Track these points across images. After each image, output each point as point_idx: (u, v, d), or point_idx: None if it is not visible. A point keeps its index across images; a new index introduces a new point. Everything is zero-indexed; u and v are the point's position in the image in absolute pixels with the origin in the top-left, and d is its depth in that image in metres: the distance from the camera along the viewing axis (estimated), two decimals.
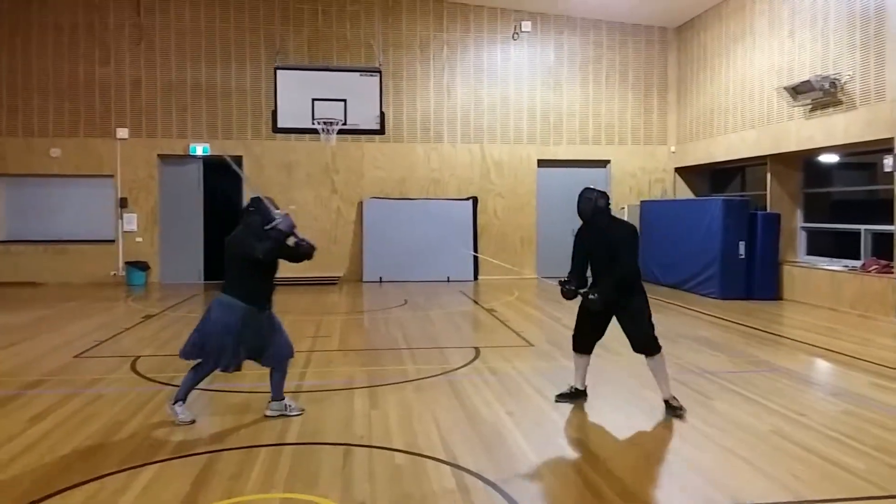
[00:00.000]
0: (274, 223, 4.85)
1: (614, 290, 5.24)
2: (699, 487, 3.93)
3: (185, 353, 5.00)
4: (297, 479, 4.05)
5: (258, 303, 4.98)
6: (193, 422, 4.96)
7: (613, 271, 5.24)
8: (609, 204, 5.43)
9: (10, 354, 7.60)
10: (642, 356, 5.36)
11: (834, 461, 4.31)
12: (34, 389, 6.06)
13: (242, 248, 4.87)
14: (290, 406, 5.22)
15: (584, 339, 5.61)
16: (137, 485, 3.96)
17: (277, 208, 4.98)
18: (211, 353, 4.91)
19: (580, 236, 5.56)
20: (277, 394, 5.21)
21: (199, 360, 5.01)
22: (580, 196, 5.43)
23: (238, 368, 5.06)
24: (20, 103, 14.72)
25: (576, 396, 5.65)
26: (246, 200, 5.23)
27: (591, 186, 5.48)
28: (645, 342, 5.25)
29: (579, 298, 5.44)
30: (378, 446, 4.61)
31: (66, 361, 7.22)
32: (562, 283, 5.48)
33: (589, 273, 5.55)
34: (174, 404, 5.02)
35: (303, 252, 5.09)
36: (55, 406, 5.51)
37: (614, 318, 5.46)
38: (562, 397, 5.65)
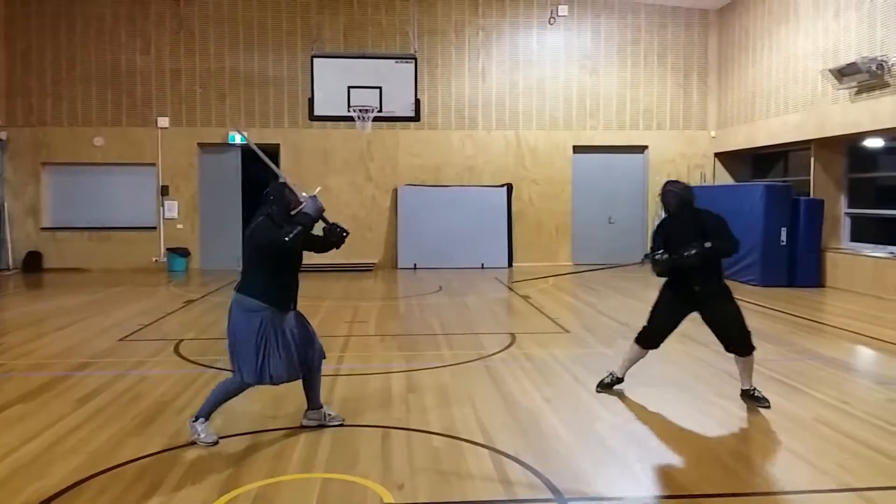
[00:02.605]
0: (300, 207, 4.34)
1: (707, 254, 4.99)
2: (743, 476, 3.89)
3: (248, 378, 4.37)
4: (338, 460, 4.12)
5: (280, 303, 4.36)
6: (216, 443, 4.33)
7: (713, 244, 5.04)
8: (693, 195, 5.28)
9: (59, 337, 7.84)
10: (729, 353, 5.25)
11: (880, 450, 4.22)
12: (82, 371, 6.25)
13: (267, 237, 4.25)
14: (329, 415, 4.71)
15: (657, 333, 5.38)
16: (183, 463, 4.07)
17: (303, 192, 4.47)
18: (243, 366, 4.32)
19: (664, 225, 5.36)
20: (317, 401, 4.69)
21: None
22: (664, 190, 5.28)
23: (282, 380, 4.39)
24: (64, 92, 15.07)
25: (615, 384, 5.56)
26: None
27: (675, 179, 5.45)
28: (742, 339, 5.11)
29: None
30: (416, 429, 4.66)
31: (112, 344, 7.43)
32: (651, 254, 5.26)
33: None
34: (195, 421, 4.39)
35: (333, 238, 4.52)
36: (103, 387, 5.68)
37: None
38: (603, 387, 5.54)
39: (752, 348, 5.13)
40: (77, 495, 3.66)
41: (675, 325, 5.34)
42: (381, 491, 3.68)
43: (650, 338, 5.38)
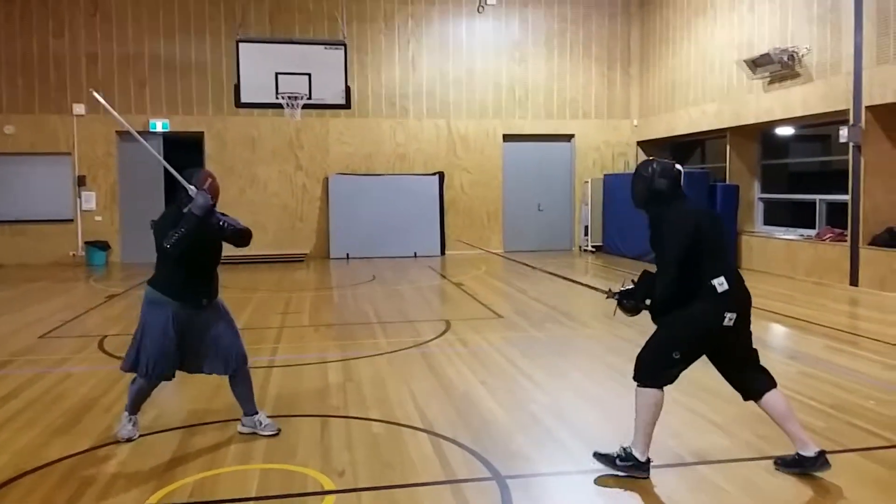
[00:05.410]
0: (189, 206, 3.91)
1: (653, 308, 3.75)
2: (668, 447, 4.08)
3: (124, 365, 4.22)
4: (276, 450, 4.09)
5: (187, 299, 4.08)
6: (131, 440, 4.19)
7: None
8: (675, 185, 3.68)
9: None
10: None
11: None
12: (1, 370, 5.97)
13: (157, 236, 3.96)
14: (261, 423, 4.33)
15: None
16: (116, 459, 3.96)
17: (209, 182, 4.03)
18: (138, 362, 4.11)
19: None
20: (247, 407, 4.35)
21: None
22: (634, 173, 3.84)
23: (169, 377, 4.22)
24: None
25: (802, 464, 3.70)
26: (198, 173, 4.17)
27: (652, 159, 3.97)
28: (636, 362, 3.75)
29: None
30: (355, 416, 4.68)
31: (32, 342, 7.12)
32: (618, 294, 3.86)
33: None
34: (125, 411, 4.29)
35: (228, 239, 4.14)
36: (24, 385, 5.45)
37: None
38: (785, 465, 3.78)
39: (637, 377, 3.70)
40: (3, 495, 3.52)
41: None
42: (322, 478, 3.69)
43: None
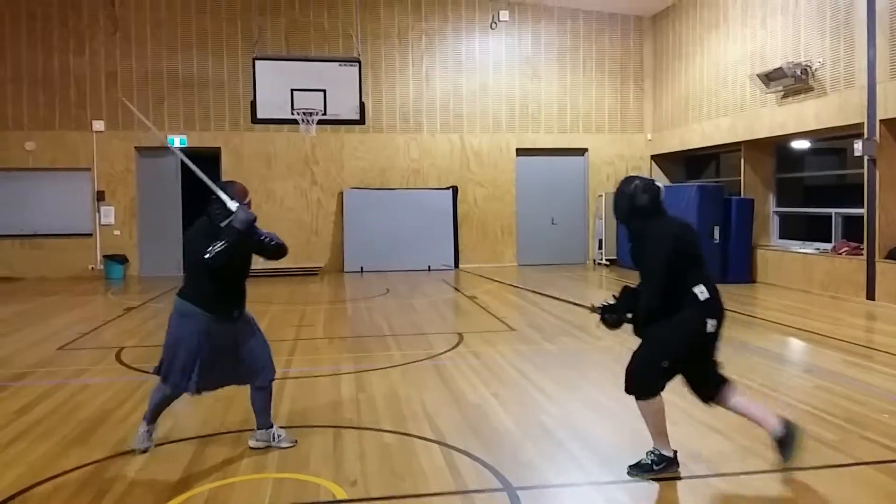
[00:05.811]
0: (229, 219, 3.99)
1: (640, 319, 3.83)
2: (682, 461, 4.06)
3: (156, 369, 4.26)
4: (289, 460, 4.13)
5: (220, 311, 4.11)
6: (146, 450, 4.21)
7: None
8: (655, 200, 3.81)
9: None
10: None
11: (808, 433, 4.47)
12: (20, 381, 6.07)
13: (192, 249, 4.04)
14: (278, 436, 4.35)
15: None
16: (131, 469, 4.02)
17: (245, 198, 4.16)
18: (169, 372, 4.12)
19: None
20: (263, 420, 4.35)
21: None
22: (616, 190, 4.00)
23: (208, 389, 4.23)
24: None
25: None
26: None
27: (634, 175, 4.07)
28: (627, 376, 3.86)
29: None
30: (367, 428, 4.71)
31: (50, 354, 7.22)
32: (600, 309, 3.93)
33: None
34: (143, 420, 4.33)
35: (269, 253, 4.27)
36: (42, 396, 5.54)
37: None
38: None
39: (631, 391, 3.83)
40: None
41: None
42: (334, 488, 3.72)
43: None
